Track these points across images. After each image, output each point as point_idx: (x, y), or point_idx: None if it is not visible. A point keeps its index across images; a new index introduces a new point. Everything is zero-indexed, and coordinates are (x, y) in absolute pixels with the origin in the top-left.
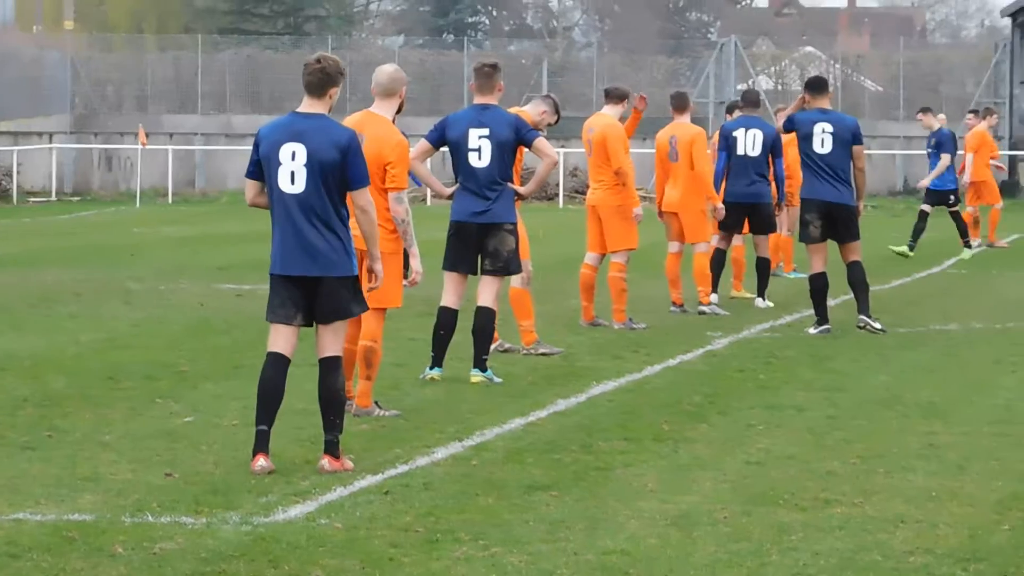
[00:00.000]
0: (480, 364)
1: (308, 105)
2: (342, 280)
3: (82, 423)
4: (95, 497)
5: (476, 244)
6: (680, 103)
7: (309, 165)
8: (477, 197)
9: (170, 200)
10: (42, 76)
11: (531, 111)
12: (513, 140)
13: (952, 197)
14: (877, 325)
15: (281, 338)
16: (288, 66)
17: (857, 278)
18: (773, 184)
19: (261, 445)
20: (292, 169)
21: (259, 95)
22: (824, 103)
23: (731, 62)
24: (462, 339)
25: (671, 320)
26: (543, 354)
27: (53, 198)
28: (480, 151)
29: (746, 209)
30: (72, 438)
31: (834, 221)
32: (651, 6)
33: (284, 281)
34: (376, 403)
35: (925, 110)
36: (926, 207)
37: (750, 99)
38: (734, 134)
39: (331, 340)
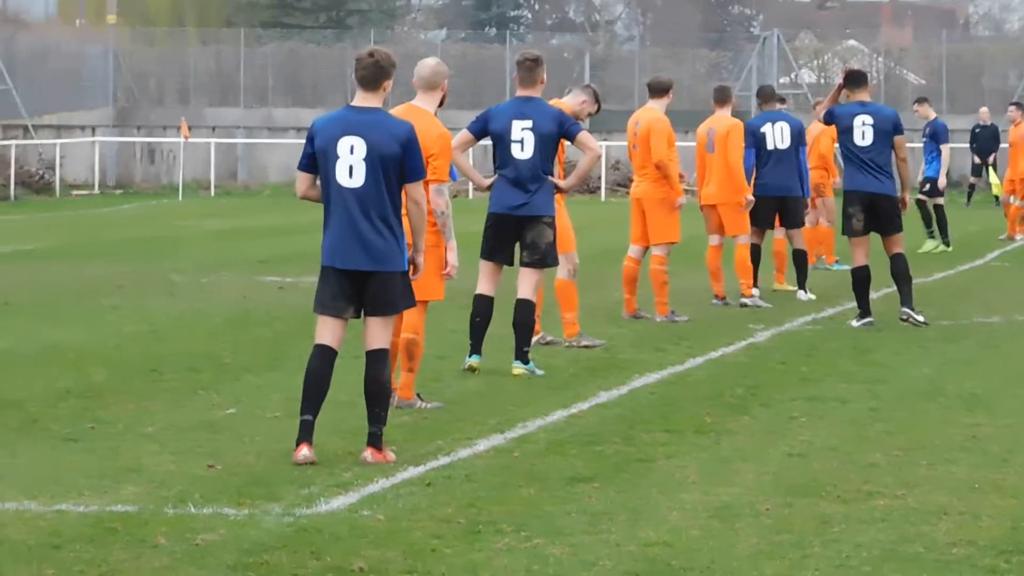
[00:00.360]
0: (522, 356)
1: (363, 99)
2: (395, 275)
3: (124, 414)
4: (137, 488)
5: (514, 236)
6: (721, 96)
7: (369, 159)
8: (518, 189)
9: (212, 193)
10: (84, 69)
11: (570, 102)
12: (556, 133)
13: (928, 185)
14: (920, 318)
15: (329, 330)
16: (330, 60)
17: (900, 270)
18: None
19: (305, 435)
20: (351, 163)
21: (301, 88)
22: (864, 96)
23: (774, 56)
24: (504, 331)
25: (713, 313)
26: (585, 346)
27: (96, 191)
28: (523, 143)
29: (776, 203)
30: (114, 429)
31: (877, 213)
32: (693, 0)
33: (337, 274)
34: (418, 395)
35: (921, 100)
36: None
37: (766, 94)
38: (762, 130)
39: (380, 333)
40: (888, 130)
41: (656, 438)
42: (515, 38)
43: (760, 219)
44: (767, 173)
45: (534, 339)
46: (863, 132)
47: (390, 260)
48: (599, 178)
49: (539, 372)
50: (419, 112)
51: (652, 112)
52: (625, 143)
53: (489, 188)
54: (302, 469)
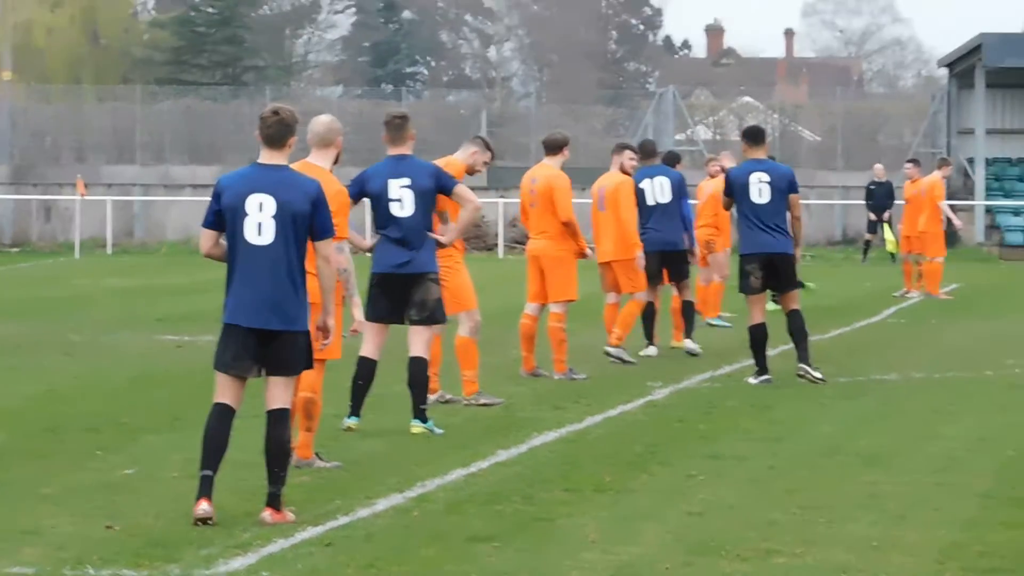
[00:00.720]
0: (420, 414)
1: (269, 156)
2: (299, 334)
3: (23, 476)
4: (35, 550)
5: (400, 294)
6: (615, 151)
7: (279, 216)
8: (401, 247)
9: (109, 251)
10: None
11: (461, 156)
12: (434, 188)
13: None
14: (817, 374)
15: (229, 389)
16: (227, 116)
17: (797, 326)
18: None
19: (205, 490)
20: (259, 220)
21: (198, 145)
22: (760, 153)
23: (669, 112)
24: (402, 389)
25: (611, 370)
26: (484, 404)
27: None
28: (402, 201)
29: (663, 257)
30: (12, 491)
31: (775, 271)
32: (589, 57)
33: (241, 332)
34: (317, 454)
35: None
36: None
37: (647, 149)
38: (640, 186)
39: (282, 393)
40: (783, 188)
41: (556, 497)
42: (411, 95)
43: (650, 273)
44: (650, 229)
45: (432, 397)
46: (759, 189)
47: (296, 320)
48: (496, 235)
49: (438, 431)
50: (314, 169)
51: (549, 169)
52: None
53: (371, 250)
54: (201, 530)
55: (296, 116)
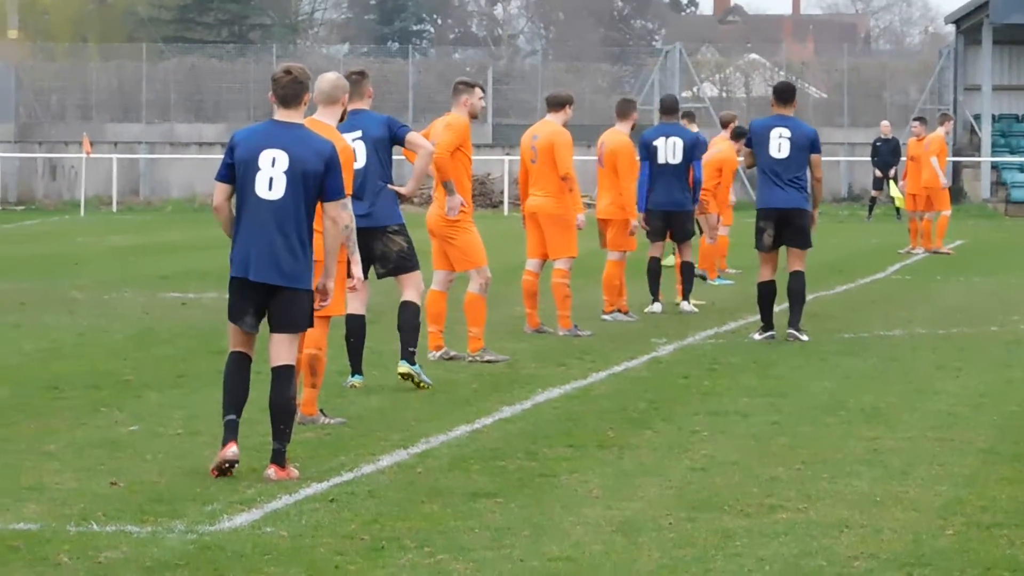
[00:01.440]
0: (408, 356)
1: (285, 115)
2: (303, 293)
3: (25, 433)
4: (39, 506)
5: (364, 248)
6: (621, 109)
7: (290, 172)
8: (355, 200)
9: (115, 209)
10: None
11: (457, 111)
12: (387, 137)
13: None
14: (804, 338)
15: (242, 337)
16: (232, 75)
17: (796, 288)
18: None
19: (231, 433)
20: (271, 175)
21: (203, 104)
22: (787, 111)
23: (676, 70)
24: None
25: (616, 328)
26: (488, 361)
27: None
28: (355, 153)
29: (669, 216)
30: (15, 447)
31: (787, 226)
32: (595, 14)
33: (245, 285)
34: (321, 411)
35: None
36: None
37: (667, 106)
38: (654, 143)
39: (286, 349)
40: (804, 145)
41: (559, 453)
42: (418, 53)
43: (655, 231)
44: (658, 188)
45: (437, 354)
46: (779, 144)
47: (300, 278)
48: (502, 192)
49: (427, 379)
50: (321, 126)
51: (551, 125)
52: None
53: None
54: (205, 486)
55: (308, 74)
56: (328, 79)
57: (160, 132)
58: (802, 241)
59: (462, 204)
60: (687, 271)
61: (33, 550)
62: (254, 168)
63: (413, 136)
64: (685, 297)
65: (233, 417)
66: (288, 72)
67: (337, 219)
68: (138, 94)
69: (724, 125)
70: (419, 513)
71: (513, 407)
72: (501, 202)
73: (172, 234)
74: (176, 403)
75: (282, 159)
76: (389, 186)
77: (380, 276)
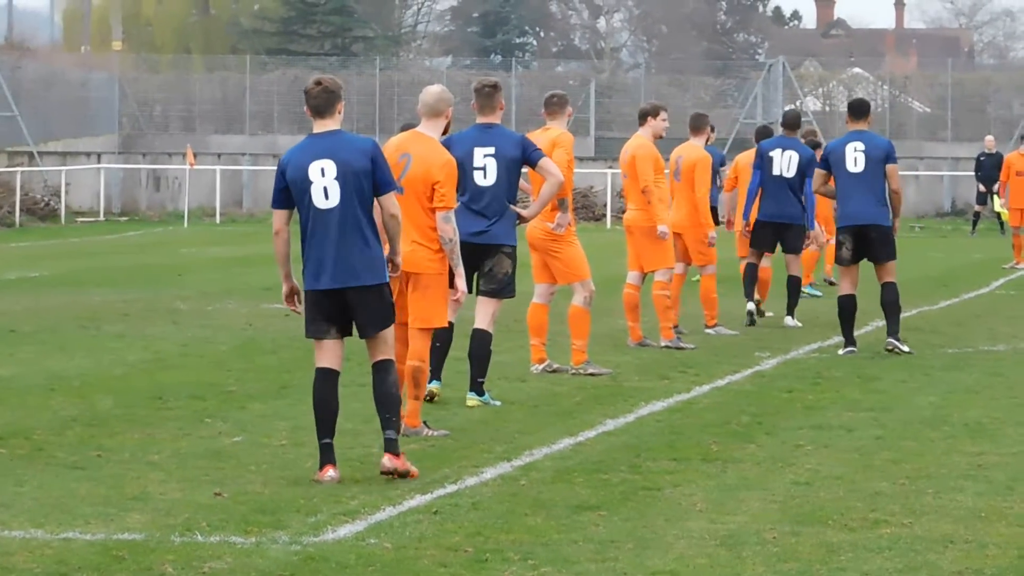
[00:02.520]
0: (476, 387)
1: (321, 125)
2: (381, 287)
3: (130, 443)
4: (144, 516)
5: (472, 264)
6: (695, 124)
7: (341, 178)
8: (478, 217)
9: (218, 220)
10: (90, 96)
11: (562, 124)
12: (519, 158)
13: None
14: (905, 348)
15: (327, 352)
16: None
17: (890, 299)
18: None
19: (328, 457)
20: (324, 185)
21: (305, 115)
22: (861, 126)
23: (779, 83)
24: (505, 358)
25: (719, 340)
26: (591, 374)
27: (101, 218)
28: (485, 169)
29: (779, 229)
30: (120, 458)
31: (868, 242)
32: (698, 27)
33: (323, 295)
34: (424, 423)
35: None
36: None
37: (790, 121)
38: (770, 154)
39: (381, 346)
40: (880, 157)
41: (662, 466)
42: (520, 65)
43: (761, 242)
44: (769, 199)
45: (540, 367)
46: (855, 158)
47: (374, 274)
48: (604, 206)
49: (494, 403)
50: (423, 139)
51: (637, 139)
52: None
53: None
54: (308, 497)
55: (339, 83)
56: (433, 92)
57: (263, 143)
58: (885, 253)
59: (534, 217)
60: (794, 286)
61: (138, 560)
62: (307, 183)
63: (546, 162)
64: (790, 312)
65: (328, 441)
66: (318, 83)
67: (395, 212)
68: (241, 105)
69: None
70: (522, 525)
71: (616, 420)
72: (604, 215)
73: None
74: (280, 414)
75: (330, 167)
76: (512, 208)
77: (480, 294)
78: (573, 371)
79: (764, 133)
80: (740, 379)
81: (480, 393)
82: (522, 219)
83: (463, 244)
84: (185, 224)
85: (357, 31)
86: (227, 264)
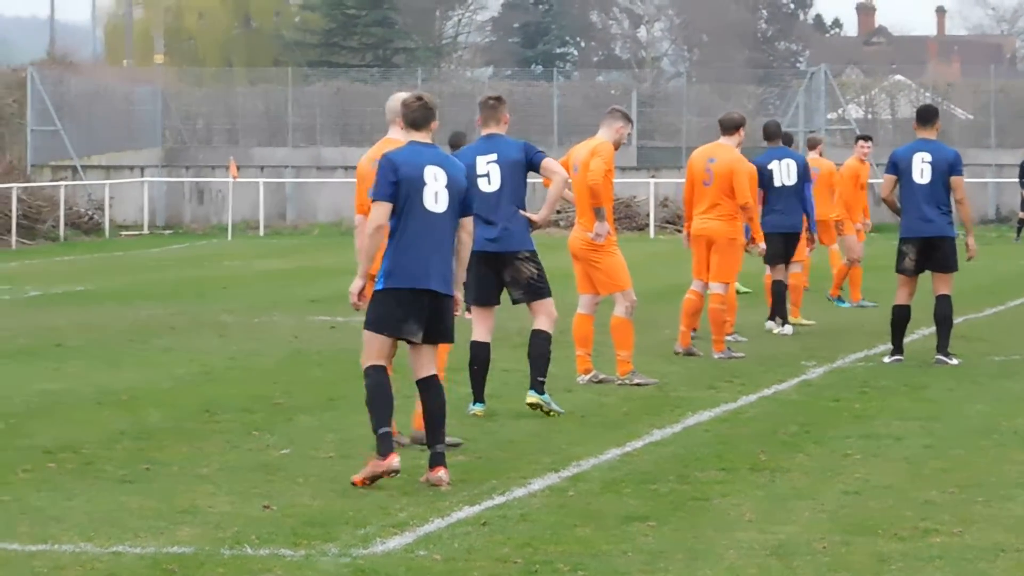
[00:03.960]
0: (537, 386)
1: (420, 136)
2: (452, 301)
3: (179, 456)
4: (193, 530)
5: (494, 273)
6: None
7: (450, 187)
8: (487, 224)
9: (262, 233)
10: (133, 110)
11: (607, 135)
12: (522, 161)
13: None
14: (954, 361)
15: (386, 351)
16: (377, 98)
17: (943, 313)
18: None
19: (389, 446)
20: (436, 190)
21: (349, 127)
22: (930, 134)
23: (821, 91)
24: (554, 371)
25: (766, 350)
26: (638, 384)
27: (145, 231)
28: (489, 176)
29: (786, 238)
30: (169, 471)
31: (932, 253)
32: (739, 36)
33: (410, 295)
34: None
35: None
36: None
37: (770, 131)
38: (769, 167)
39: (430, 360)
40: (944, 169)
41: (711, 476)
42: (561, 75)
43: (773, 255)
44: (777, 210)
45: (586, 377)
46: (922, 170)
47: (452, 287)
48: (647, 215)
49: (556, 407)
50: (395, 144)
51: (729, 151)
52: (674, 180)
53: None
54: (357, 509)
55: (434, 100)
56: (398, 98)
57: (307, 156)
58: (947, 265)
59: (545, 220)
60: (780, 292)
61: (188, 573)
62: (420, 184)
63: (549, 162)
64: (771, 318)
65: (387, 430)
66: (419, 99)
67: (471, 231)
68: (284, 118)
69: (812, 147)
70: (572, 536)
71: (664, 430)
72: (647, 225)
73: (320, 258)
74: (328, 426)
75: (442, 175)
76: (522, 212)
77: (515, 302)
78: (619, 382)
79: (788, 139)
80: (787, 388)
81: (540, 392)
82: (534, 224)
83: (478, 253)
84: (229, 237)
85: (398, 42)
86: (272, 277)
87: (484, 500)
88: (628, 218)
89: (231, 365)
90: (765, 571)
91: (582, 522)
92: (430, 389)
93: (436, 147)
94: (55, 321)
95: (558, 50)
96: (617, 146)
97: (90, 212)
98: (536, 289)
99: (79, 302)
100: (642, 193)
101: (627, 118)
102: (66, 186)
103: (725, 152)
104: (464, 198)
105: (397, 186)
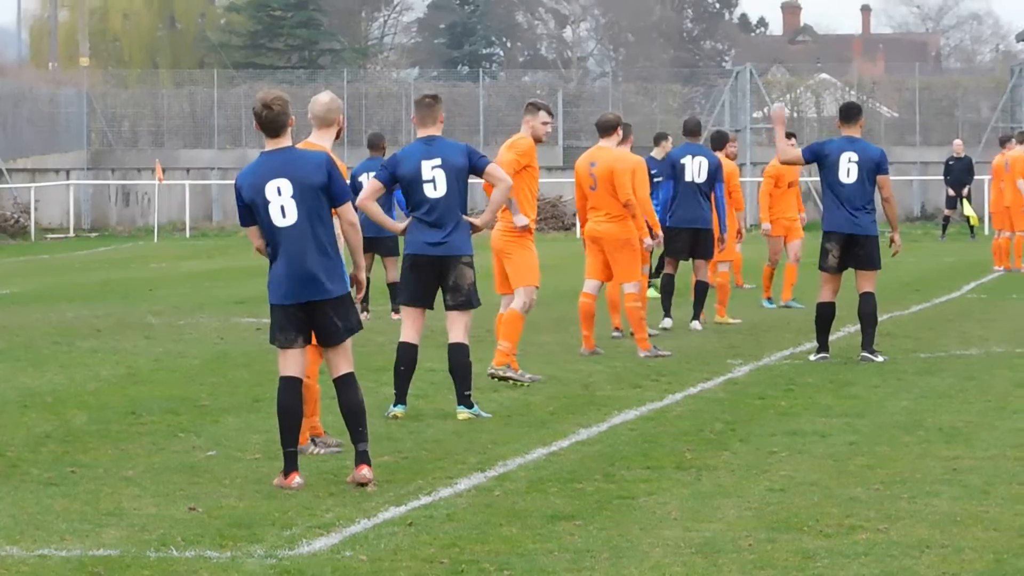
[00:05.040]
0: (464, 401)
1: (274, 143)
2: (342, 298)
3: (104, 458)
4: (119, 532)
5: (434, 277)
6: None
7: (297, 195)
8: (433, 228)
9: (188, 234)
10: (58, 113)
11: (524, 132)
12: (466, 166)
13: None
14: (879, 359)
15: (291, 361)
16: (303, 100)
17: (867, 311)
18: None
19: (293, 465)
20: (281, 203)
21: None
22: (854, 131)
23: (746, 90)
24: (481, 369)
25: (691, 349)
26: (508, 378)
27: (71, 234)
28: (435, 181)
29: (691, 234)
30: (95, 473)
31: (854, 250)
32: (664, 35)
33: (286, 309)
34: (312, 440)
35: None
36: None
37: (690, 128)
38: (681, 162)
39: (341, 359)
40: (871, 168)
41: (637, 475)
42: (488, 76)
43: (676, 249)
44: (681, 206)
45: (509, 375)
46: (848, 169)
47: (336, 287)
48: (573, 215)
49: (484, 414)
50: (316, 148)
51: (608, 152)
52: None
53: (403, 232)
54: (283, 510)
55: (286, 100)
56: (322, 102)
57: (232, 158)
58: (871, 262)
59: (488, 225)
60: (701, 291)
61: None
62: (264, 202)
63: (493, 168)
64: (696, 317)
65: (292, 450)
66: (267, 107)
67: (354, 221)
68: (210, 120)
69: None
70: (498, 536)
71: (590, 429)
72: (573, 224)
73: (246, 259)
74: (253, 427)
75: (285, 186)
76: (465, 217)
77: (449, 308)
78: (491, 371)
79: (720, 139)
80: (713, 387)
81: (469, 406)
82: (476, 228)
83: (421, 257)
84: (155, 239)
85: (324, 44)
86: (198, 278)
87: (410, 500)
88: (554, 218)
89: (156, 367)
90: (691, 569)
91: (508, 521)
92: (341, 387)
93: (289, 149)
94: None
95: (484, 51)
96: (538, 139)
97: (15, 215)
98: (471, 297)
99: (4, 305)
100: (568, 193)
101: (541, 108)
102: None
103: (604, 154)
104: (327, 192)
105: (249, 209)
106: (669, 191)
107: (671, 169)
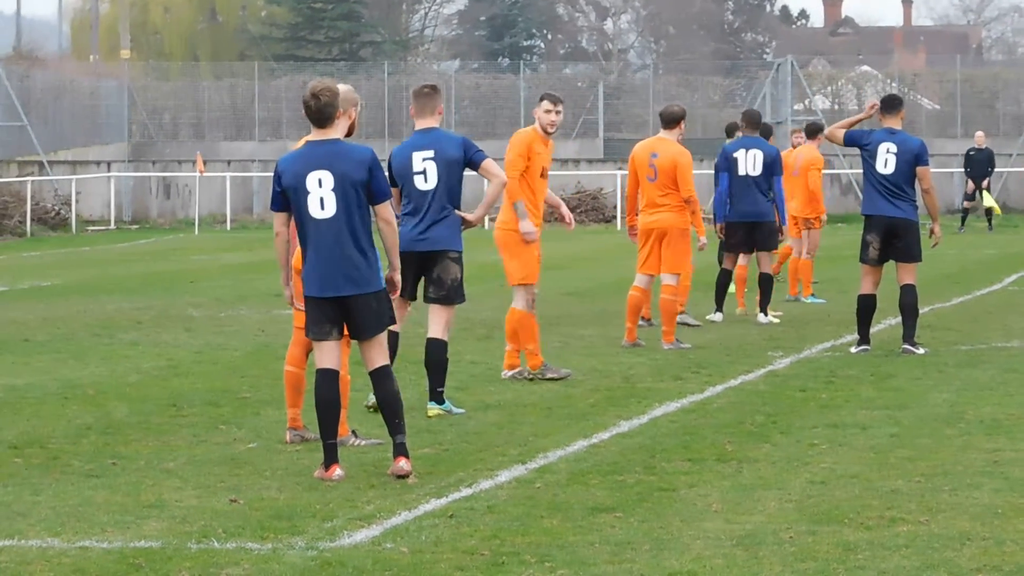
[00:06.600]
0: (436, 397)
1: (320, 134)
2: (376, 295)
3: (145, 450)
4: (160, 524)
5: (417, 269)
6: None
7: (338, 188)
8: (420, 222)
9: (228, 227)
10: (99, 105)
11: (537, 121)
12: (460, 159)
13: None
14: (920, 351)
15: (327, 354)
16: None
17: (908, 302)
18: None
19: (333, 456)
20: (321, 195)
21: None
22: (895, 123)
23: (787, 82)
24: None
25: (732, 341)
26: (551, 378)
27: (112, 226)
28: (426, 173)
29: (750, 227)
30: (136, 465)
31: (894, 239)
32: (706, 28)
33: (321, 301)
34: (353, 432)
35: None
36: None
37: (751, 119)
38: (734, 155)
39: (377, 352)
40: (910, 160)
41: (678, 467)
42: (528, 68)
43: (734, 244)
44: (738, 200)
45: (511, 374)
46: (886, 160)
47: (370, 282)
48: (614, 207)
49: (457, 411)
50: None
51: (671, 145)
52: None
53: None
54: (325, 502)
55: (335, 90)
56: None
57: (273, 150)
58: (911, 255)
59: (478, 221)
60: (766, 283)
61: (155, 568)
62: (304, 192)
63: (489, 163)
64: (763, 309)
65: (332, 441)
66: (315, 97)
67: (390, 220)
68: (251, 112)
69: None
70: (539, 528)
71: (631, 421)
72: (614, 216)
73: None
74: None
75: (327, 178)
76: (456, 212)
77: (428, 300)
78: (530, 375)
79: (766, 131)
80: (754, 379)
81: (440, 402)
82: (467, 223)
83: (408, 252)
84: (196, 231)
85: (365, 36)
86: (239, 270)
87: (451, 492)
88: (595, 210)
89: (198, 359)
90: (731, 561)
91: (549, 513)
92: (378, 380)
93: (335, 142)
94: (22, 316)
95: (525, 43)
96: (545, 130)
97: (57, 207)
98: (454, 293)
99: (45, 297)
100: (609, 185)
101: (544, 98)
102: (32, 182)
103: (667, 146)
104: (367, 189)
105: (284, 195)
106: (725, 184)
107: (725, 162)
